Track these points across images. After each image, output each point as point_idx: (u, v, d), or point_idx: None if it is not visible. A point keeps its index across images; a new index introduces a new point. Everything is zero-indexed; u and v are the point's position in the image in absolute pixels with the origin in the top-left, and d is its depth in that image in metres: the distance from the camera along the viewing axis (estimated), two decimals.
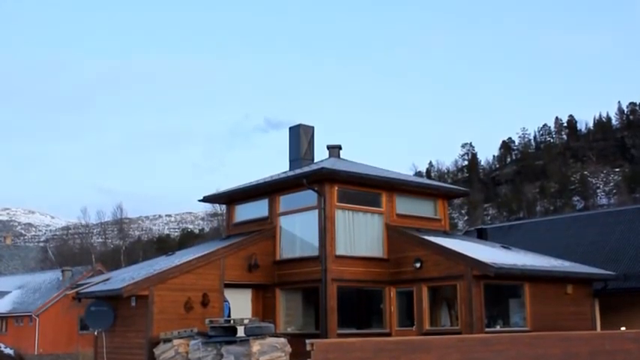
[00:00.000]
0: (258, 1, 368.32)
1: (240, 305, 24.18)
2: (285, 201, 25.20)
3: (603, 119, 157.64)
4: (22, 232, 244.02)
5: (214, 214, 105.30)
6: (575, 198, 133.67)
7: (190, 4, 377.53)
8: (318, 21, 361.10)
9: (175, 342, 19.30)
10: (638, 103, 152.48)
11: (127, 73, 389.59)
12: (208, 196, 28.91)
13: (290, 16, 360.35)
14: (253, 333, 17.57)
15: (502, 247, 26.56)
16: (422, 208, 26.32)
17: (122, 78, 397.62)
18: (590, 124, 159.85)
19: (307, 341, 15.10)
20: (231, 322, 18.67)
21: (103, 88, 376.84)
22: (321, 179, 23.40)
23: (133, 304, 21.29)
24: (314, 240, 23.57)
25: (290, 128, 27.94)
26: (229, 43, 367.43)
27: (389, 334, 23.28)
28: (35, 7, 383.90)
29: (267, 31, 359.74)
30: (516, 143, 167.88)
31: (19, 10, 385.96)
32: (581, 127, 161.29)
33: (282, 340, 17.96)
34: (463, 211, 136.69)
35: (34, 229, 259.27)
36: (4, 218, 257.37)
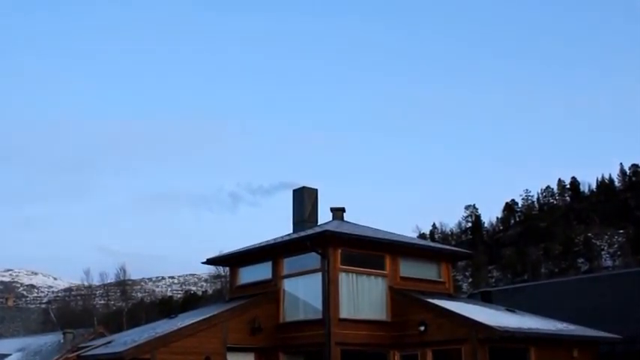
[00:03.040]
0: (261, 67, 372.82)
1: None
2: (288, 263, 25.15)
3: (606, 181, 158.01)
4: (25, 293, 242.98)
5: (217, 276, 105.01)
6: (580, 260, 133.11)
7: (193, 69, 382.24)
8: (320, 82, 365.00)
9: None
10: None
11: (131, 135, 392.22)
12: (212, 259, 28.86)
13: (292, 78, 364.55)
14: None
15: (507, 310, 26.37)
16: (426, 270, 26.23)
17: (126, 139, 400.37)
18: (593, 186, 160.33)
19: None
20: None
21: (107, 148, 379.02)
22: (325, 242, 23.39)
23: None
24: (317, 303, 23.43)
25: (294, 191, 28.06)
26: (232, 107, 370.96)
27: None
28: (40, 67, 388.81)
29: (269, 94, 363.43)
30: (519, 205, 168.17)
31: (23, 69, 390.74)
32: (584, 188, 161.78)
33: None
34: (467, 273, 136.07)
35: (36, 290, 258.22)
36: (7, 279, 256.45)
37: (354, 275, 23.97)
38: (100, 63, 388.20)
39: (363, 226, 27.44)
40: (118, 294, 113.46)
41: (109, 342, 24.20)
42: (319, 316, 23.17)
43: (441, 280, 26.67)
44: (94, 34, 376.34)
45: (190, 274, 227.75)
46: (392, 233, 27.20)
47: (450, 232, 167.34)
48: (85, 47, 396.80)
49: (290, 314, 24.72)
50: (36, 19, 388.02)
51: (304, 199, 27.63)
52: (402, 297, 24.21)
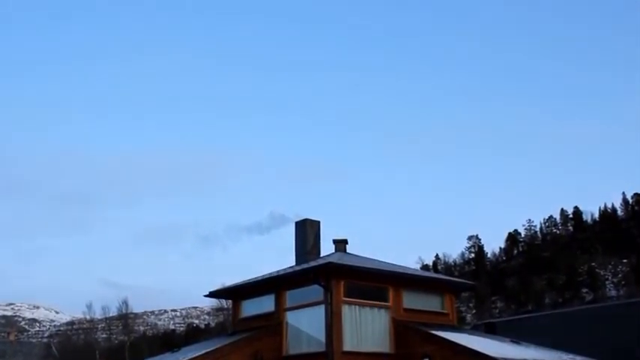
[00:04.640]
0: (261, 99, 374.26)
1: None
2: (291, 296, 25.06)
3: (608, 210, 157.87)
4: (26, 327, 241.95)
5: (220, 309, 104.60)
6: (584, 289, 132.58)
7: (196, 103, 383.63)
8: (323, 114, 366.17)
9: None
10: None
11: (134, 168, 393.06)
12: (214, 292, 28.79)
13: (294, 109, 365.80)
14: None
15: (511, 341, 26.20)
16: (429, 302, 26.12)
17: (129, 172, 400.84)
18: (596, 215, 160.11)
19: None
20: None
21: (109, 181, 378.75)
22: (328, 274, 23.33)
23: None
24: (321, 335, 23.31)
25: (296, 223, 28.03)
26: (234, 140, 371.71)
27: None
28: (41, 100, 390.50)
29: (270, 126, 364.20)
30: (522, 235, 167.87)
31: (23, 101, 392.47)
32: (586, 217, 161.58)
33: None
34: (471, 304, 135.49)
35: (38, 324, 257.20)
36: (8, 313, 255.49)
37: (357, 307, 23.88)
38: (102, 96, 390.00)
39: (366, 257, 27.38)
40: (120, 327, 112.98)
41: None
42: (322, 348, 23.04)
43: (445, 311, 26.55)
44: (99, 67, 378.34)
45: (193, 307, 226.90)
46: (395, 265, 27.15)
47: (453, 263, 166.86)
48: (87, 80, 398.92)
49: (293, 347, 24.58)
50: (37, 51, 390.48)
51: (307, 231, 27.59)
52: (405, 329, 24.08)
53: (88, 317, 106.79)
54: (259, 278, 26.41)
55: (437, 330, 23.75)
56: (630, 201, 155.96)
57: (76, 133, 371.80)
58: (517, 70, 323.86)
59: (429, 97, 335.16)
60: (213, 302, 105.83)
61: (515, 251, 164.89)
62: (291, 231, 28.30)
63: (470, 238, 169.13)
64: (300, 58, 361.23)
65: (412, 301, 25.32)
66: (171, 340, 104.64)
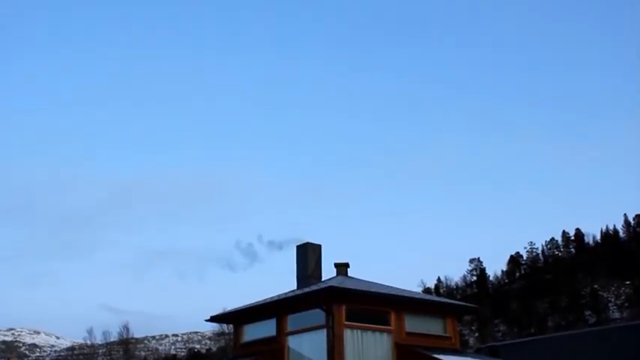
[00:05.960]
0: (259, 128, 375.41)
1: None
2: (293, 320, 24.92)
3: (610, 232, 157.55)
4: (27, 353, 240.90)
5: (221, 334, 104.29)
6: (587, 312, 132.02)
7: (199, 126, 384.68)
8: (322, 138, 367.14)
9: None
10: None
11: (135, 192, 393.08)
12: (215, 316, 28.68)
13: (296, 134, 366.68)
14: None
15: None
16: (431, 326, 25.97)
17: (130, 195, 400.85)
18: (598, 237, 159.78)
19: None
20: None
21: (111, 205, 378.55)
22: (329, 298, 23.23)
23: None
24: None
25: (297, 247, 27.98)
26: (232, 164, 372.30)
27: None
28: (45, 123, 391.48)
29: (273, 150, 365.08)
30: (524, 258, 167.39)
31: (30, 125, 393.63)
32: (588, 239, 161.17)
33: None
34: (473, 328, 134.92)
35: (38, 349, 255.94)
36: (9, 339, 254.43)
37: (359, 331, 23.75)
38: (103, 120, 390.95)
39: (368, 281, 27.27)
40: (121, 353, 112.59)
41: None
42: None
43: (447, 335, 26.38)
44: (100, 91, 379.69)
45: (194, 332, 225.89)
46: (396, 288, 27.03)
47: (455, 286, 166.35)
48: (89, 104, 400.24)
49: None
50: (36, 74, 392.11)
51: (308, 255, 27.53)
52: (407, 353, 23.94)
53: (88, 342, 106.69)
54: (260, 302, 26.30)
55: (440, 354, 23.61)
56: (632, 222, 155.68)
57: (77, 156, 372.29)
58: (517, 97, 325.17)
59: (430, 121, 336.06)
60: (214, 327, 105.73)
61: (518, 274, 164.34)
62: (292, 255, 28.27)
63: (472, 260, 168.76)
64: (300, 80, 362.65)
65: (414, 324, 25.18)
66: None
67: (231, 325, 34.70)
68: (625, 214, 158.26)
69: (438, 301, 28.59)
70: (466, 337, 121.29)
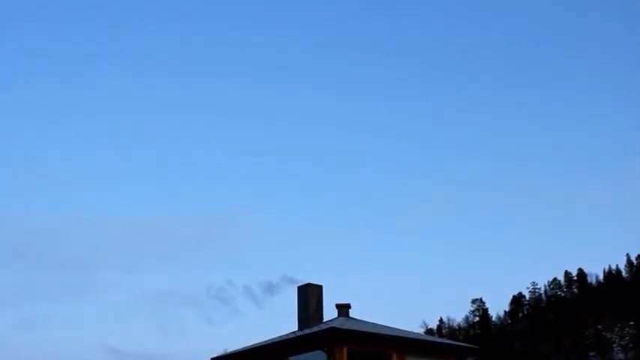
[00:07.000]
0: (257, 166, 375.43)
1: None
2: None
3: (613, 272, 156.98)
4: None
5: None
6: (591, 353, 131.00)
7: (198, 165, 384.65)
8: (322, 177, 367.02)
9: None
10: None
11: (134, 231, 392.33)
12: (217, 357, 28.54)
13: (298, 173, 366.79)
14: None
15: None
16: None
17: (130, 236, 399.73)
18: (601, 277, 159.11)
19: None
20: None
21: (111, 246, 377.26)
22: (331, 339, 23.16)
23: None
24: None
25: (298, 287, 27.96)
26: (232, 205, 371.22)
27: None
28: (42, 162, 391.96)
29: (274, 190, 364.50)
30: (527, 298, 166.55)
31: (23, 163, 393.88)
32: (591, 279, 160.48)
33: None
34: None
35: None
36: None
37: None
38: (102, 160, 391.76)
39: (369, 322, 27.20)
40: None
41: None
42: None
43: None
44: (98, 127, 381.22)
45: None
46: (398, 329, 26.95)
47: (457, 327, 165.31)
48: (87, 143, 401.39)
49: None
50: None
51: (309, 296, 27.49)
52: None
53: None
54: (262, 344, 26.23)
55: None
56: (635, 262, 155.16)
57: (75, 196, 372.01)
58: (516, 133, 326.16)
59: (430, 158, 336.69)
60: None
61: (520, 314, 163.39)
62: (293, 295, 28.22)
63: (474, 301, 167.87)
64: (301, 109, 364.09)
65: None
66: None
67: None
68: (627, 254, 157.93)
69: (440, 342, 28.51)
70: None
